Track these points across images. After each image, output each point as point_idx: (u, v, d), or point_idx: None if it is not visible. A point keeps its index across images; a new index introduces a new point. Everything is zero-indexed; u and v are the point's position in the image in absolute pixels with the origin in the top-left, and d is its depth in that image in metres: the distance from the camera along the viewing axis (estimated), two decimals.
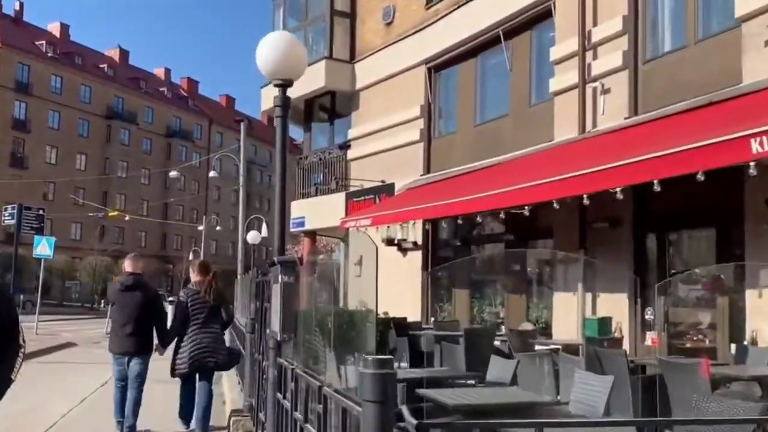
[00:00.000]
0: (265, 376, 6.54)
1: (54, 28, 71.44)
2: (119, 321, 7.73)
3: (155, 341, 7.94)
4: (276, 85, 6.09)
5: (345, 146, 17.31)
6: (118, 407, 7.74)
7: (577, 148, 9.77)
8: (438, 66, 14.47)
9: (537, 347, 9.87)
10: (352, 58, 16.98)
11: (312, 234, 19.13)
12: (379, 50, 15.94)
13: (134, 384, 7.66)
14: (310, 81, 17.10)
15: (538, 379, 8.14)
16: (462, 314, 13.20)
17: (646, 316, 9.54)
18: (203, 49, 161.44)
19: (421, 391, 5.90)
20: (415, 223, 14.38)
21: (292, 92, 19.33)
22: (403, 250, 14.76)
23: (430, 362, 9.15)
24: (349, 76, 16.82)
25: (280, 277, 5.00)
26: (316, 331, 5.13)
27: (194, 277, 7.94)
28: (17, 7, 67.96)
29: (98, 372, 13.67)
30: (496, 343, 9.88)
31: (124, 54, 78.87)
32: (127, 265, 8.05)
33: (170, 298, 32.56)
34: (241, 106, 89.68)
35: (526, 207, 8.91)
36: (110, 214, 53.97)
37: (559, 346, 9.19)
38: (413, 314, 13.27)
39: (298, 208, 18.85)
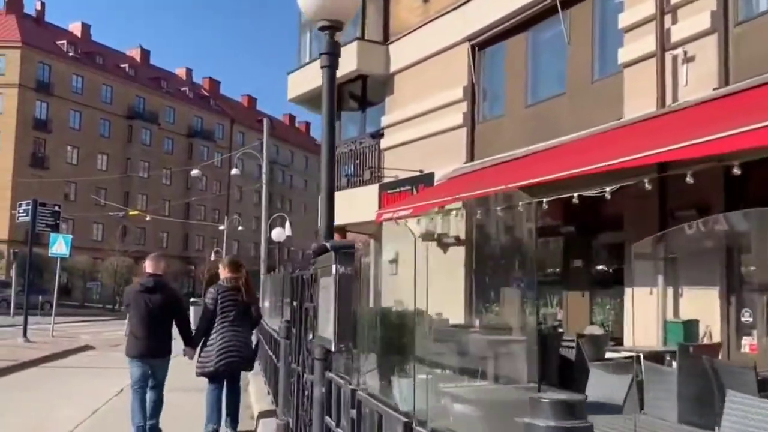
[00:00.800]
0: (306, 393, 5.32)
1: (75, 28, 71.05)
2: (139, 323, 7.35)
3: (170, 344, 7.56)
4: (322, 29, 4.95)
5: (378, 135, 16.09)
6: (137, 413, 7.31)
7: (657, 123, 8.44)
8: (483, 43, 13.18)
9: (608, 355, 8.60)
10: (386, 40, 15.75)
11: (342, 229, 17.85)
12: (416, 29, 14.69)
13: (155, 386, 7.40)
14: (341, 65, 15.92)
15: (616, 391, 6.93)
16: (511, 316, 11.88)
17: (743, 318, 8.19)
18: (224, 49, 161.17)
19: None
20: (458, 215, 13.14)
21: (318, 78, 17.96)
22: (444, 246, 13.50)
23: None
24: (383, 58, 15.58)
25: (334, 267, 3.79)
26: (385, 341, 3.90)
27: (224, 273, 7.56)
28: (38, 7, 67.62)
29: (114, 379, 12.63)
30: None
31: (145, 54, 78.37)
32: (148, 266, 7.63)
33: (192, 300, 31.66)
34: (263, 105, 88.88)
35: (599, 191, 7.60)
36: (131, 213, 53.32)
37: (639, 354, 7.91)
38: (455, 315, 12.01)
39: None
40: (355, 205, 16.17)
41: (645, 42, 9.33)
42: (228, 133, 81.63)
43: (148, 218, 57.55)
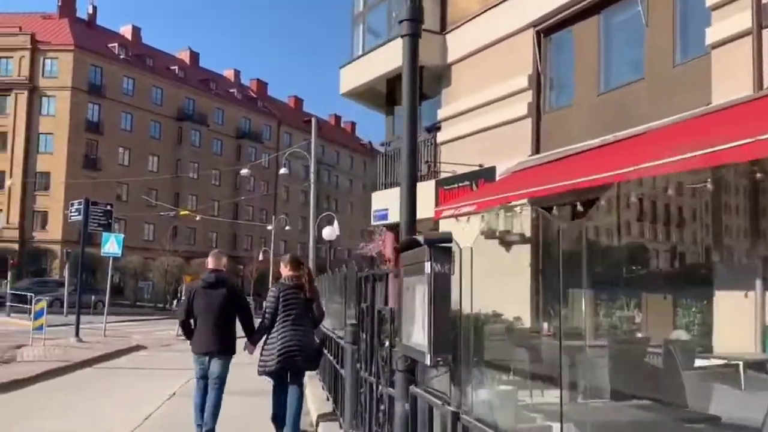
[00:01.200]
0: (383, 407, 4.73)
1: (126, 31, 71.96)
2: (202, 319, 7.30)
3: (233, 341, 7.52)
4: None
5: (434, 128, 15.45)
6: (199, 411, 7.31)
7: (756, 107, 7.62)
8: (549, 29, 12.42)
9: (698, 362, 7.80)
10: (443, 29, 15.08)
11: (396, 228, 17.27)
12: (476, 16, 13.99)
13: (214, 386, 7.26)
14: (395, 56, 15.31)
15: (731, 404, 6.18)
16: (583, 319, 11.11)
17: None
18: (271, 50, 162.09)
19: None
20: (522, 211, 12.42)
21: (373, 71, 17.30)
22: (507, 244, 12.77)
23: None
24: (440, 48, 14.92)
25: (428, 266, 3.19)
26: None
27: (285, 272, 7.45)
28: (90, 11, 68.78)
29: (166, 381, 12.28)
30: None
31: (194, 56, 79.05)
32: (210, 262, 7.66)
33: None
34: (309, 107, 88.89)
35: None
36: (181, 213, 53.69)
37: (738, 362, 7.13)
38: (519, 319, 11.29)
39: (380, 200, 17.08)
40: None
41: (738, 19, 8.49)
42: (275, 133, 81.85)
43: (198, 218, 57.93)
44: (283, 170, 32.12)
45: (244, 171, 35.38)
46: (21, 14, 64.21)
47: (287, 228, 58.89)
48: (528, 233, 12.39)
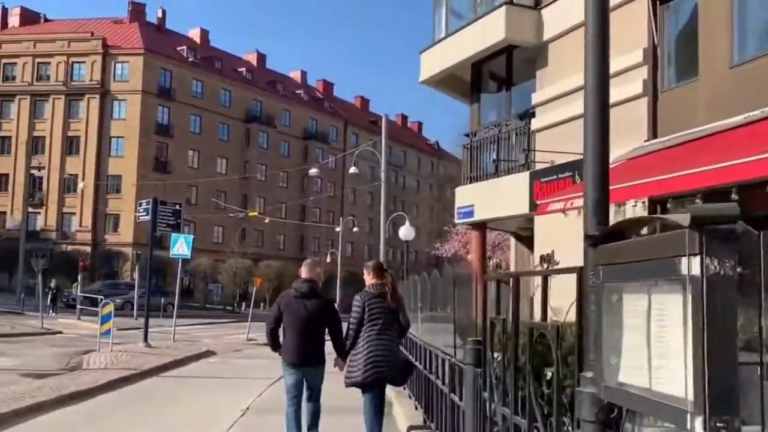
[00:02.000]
0: None
1: (194, 34, 72.46)
2: (293, 330, 7.13)
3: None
4: None
5: (528, 115, 13.98)
6: (292, 425, 7.09)
7: None
8: None
9: None
10: (538, 4, 13.63)
11: (482, 226, 15.92)
12: None
13: (311, 396, 7.21)
14: (484, 36, 13.93)
15: None
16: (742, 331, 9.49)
17: None
18: (337, 49, 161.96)
19: None
20: (636, 205, 10.87)
21: (457, 54, 15.50)
22: None
23: None
24: (535, 24, 13.46)
25: (695, 263, 1.84)
26: None
27: (369, 279, 7.14)
28: (160, 15, 69.51)
29: (238, 393, 11.24)
30: None
31: (261, 57, 79.15)
32: (304, 271, 7.45)
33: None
34: (376, 107, 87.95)
35: None
36: (250, 214, 53.46)
37: None
38: None
39: (464, 196, 15.72)
40: (498, 197, 14.19)
41: None
42: (342, 134, 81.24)
43: (267, 220, 57.71)
44: (353, 169, 31.10)
45: (313, 171, 34.47)
46: (92, 19, 65.39)
47: (355, 229, 58.07)
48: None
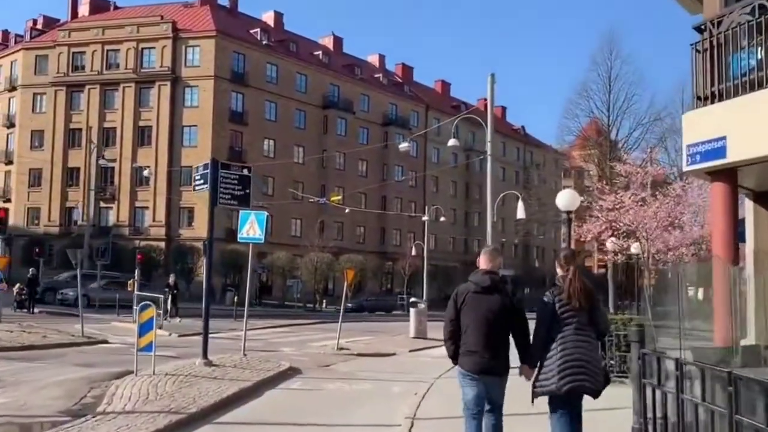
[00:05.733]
0: None
1: (268, 17, 68.72)
2: (475, 331, 5.94)
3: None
4: None
5: None
6: None
7: None
8: None
9: None
10: None
11: (731, 174, 9.85)
12: None
13: (492, 411, 6.08)
14: None
15: None
16: None
17: None
18: (417, 31, 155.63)
19: None
20: None
21: None
22: None
23: None
24: None
25: None
26: None
27: (560, 271, 5.96)
28: None
29: None
30: None
31: (338, 41, 74.83)
32: (483, 261, 6.20)
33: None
34: (457, 92, 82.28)
35: None
36: (332, 198, 49.13)
37: None
38: None
39: (704, 123, 9.66)
40: (759, 121, 8.65)
41: None
42: (423, 119, 76.10)
43: (347, 210, 53.46)
44: (403, 145, 26.12)
45: (404, 145, 29.91)
46: (162, 4, 62.36)
47: (442, 219, 53.00)
48: None
